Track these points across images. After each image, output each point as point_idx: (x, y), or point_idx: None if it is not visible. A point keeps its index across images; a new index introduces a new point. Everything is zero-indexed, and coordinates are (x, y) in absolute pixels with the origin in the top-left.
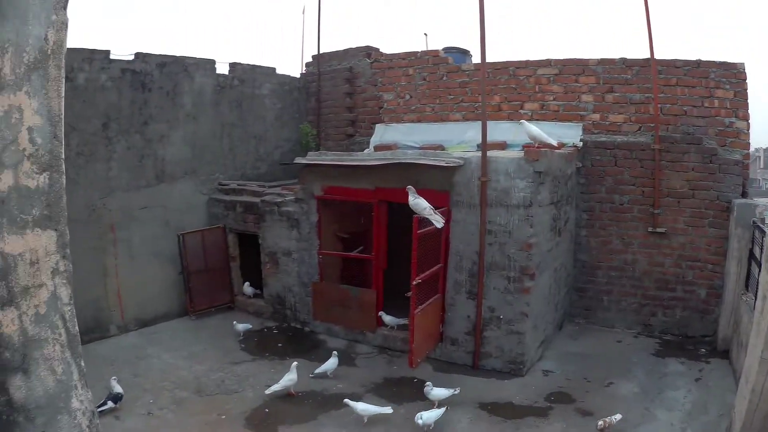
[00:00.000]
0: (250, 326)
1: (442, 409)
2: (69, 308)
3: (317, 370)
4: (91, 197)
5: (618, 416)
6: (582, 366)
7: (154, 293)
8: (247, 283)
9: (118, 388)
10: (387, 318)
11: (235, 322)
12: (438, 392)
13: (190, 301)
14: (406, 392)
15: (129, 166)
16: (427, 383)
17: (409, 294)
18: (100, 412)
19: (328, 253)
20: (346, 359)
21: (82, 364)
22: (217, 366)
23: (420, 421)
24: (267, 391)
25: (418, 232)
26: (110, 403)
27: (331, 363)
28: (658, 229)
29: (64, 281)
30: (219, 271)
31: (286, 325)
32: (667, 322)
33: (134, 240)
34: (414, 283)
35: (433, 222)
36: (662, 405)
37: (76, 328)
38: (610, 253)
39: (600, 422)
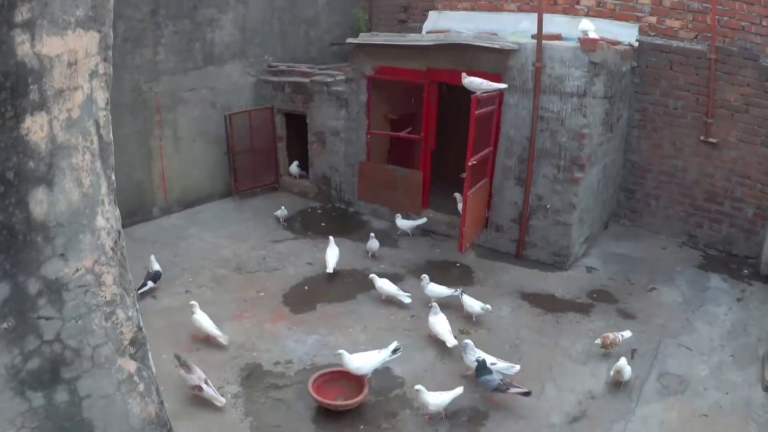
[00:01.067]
0: (287, 213)
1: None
2: (104, 114)
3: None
4: (137, 82)
5: (627, 333)
6: (625, 267)
7: (199, 174)
8: (295, 163)
9: (156, 266)
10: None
11: (283, 207)
12: (434, 289)
13: (235, 181)
14: (449, 276)
15: (177, 50)
16: (423, 276)
17: (464, 175)
18: (141, 293)
19: (376, 132)
20: (389, 241)
21: (113, 177)
22: (258, 244)
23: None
24: (329, 269)
25: (476, 112)
26: (150, 283)
27: (373, 244)
28: (711, 139)
29: (103, 84)
30: (265, 152)
31: (331, 206)
32: (713, 236)
33: (180, 122)
34: (469, 163)
35: (495, 88)
36: (703, 318)
37: (111, 135)
38: (661, 157)
39: (598, 340)
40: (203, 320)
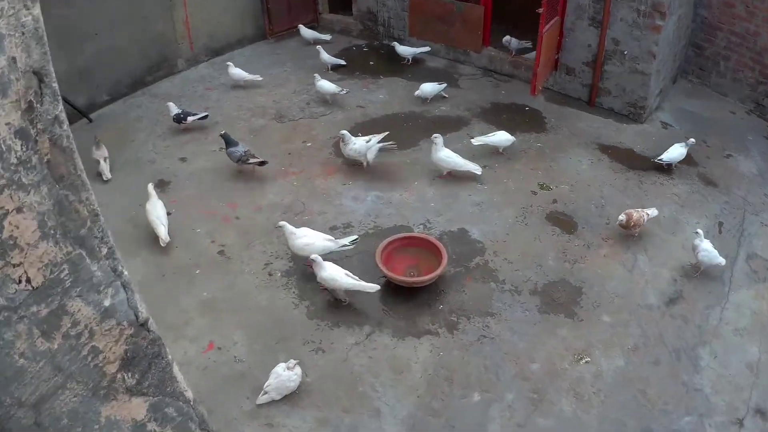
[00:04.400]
0: (343, 62)
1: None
2: None
3: (416, 93)
4: None
5: (653, 211)
6: (698, 127)
7: (227, 18)
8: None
9: (174, 109)
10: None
11: (319, 48)
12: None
13: (269, 22)
14: (518, 120)
15: None
16: (436, 135)
17: (540, 10)
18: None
19: None
20: (448, 80)
21: None
22: (300, 88)
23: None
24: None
25: None
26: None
27: (429, 88)
28: None
29: None
30: None
31: (378, 43)
32: None
33: None
34: None
35: None
36: None
37: None
38: (732, 17)
39: (622, 216)
40: (152, 212)
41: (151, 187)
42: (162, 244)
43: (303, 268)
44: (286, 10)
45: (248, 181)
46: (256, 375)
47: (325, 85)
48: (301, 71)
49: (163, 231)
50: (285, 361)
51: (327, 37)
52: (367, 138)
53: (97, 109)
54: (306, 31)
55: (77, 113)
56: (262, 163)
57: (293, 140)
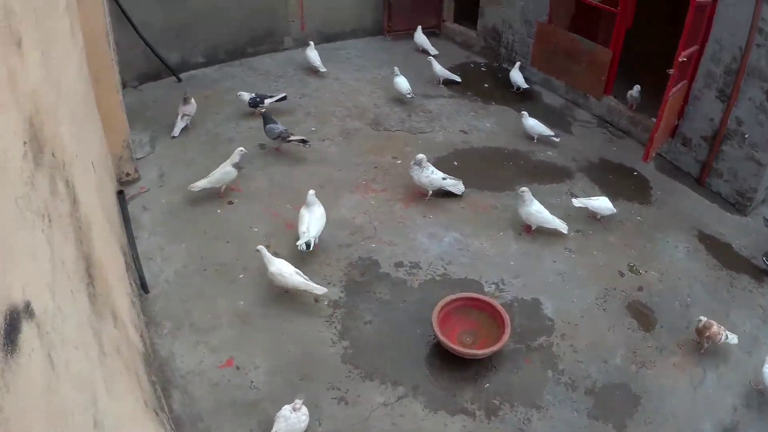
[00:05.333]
0: (458, 79)
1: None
2: None
3: (523, 122)
4: None
5: (733, 338)
6: None
7: (344, 6)
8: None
9: (246, 96)
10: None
11: (431, 59)
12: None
13: (389, 18)
14: (624, 185)
15: None
16: (523, 190)
17: (671, 71)
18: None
19: None
20: (561, 122)
21: None
22: (402, 95)
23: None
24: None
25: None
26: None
27: (538, 128)
28: None
29: None
30: None
31: (497, 65)
32: None
33: None
34: (679, 59)
35: None
36: None
37: None
38: None
39: (701, 319)
40: (303, 220)
41: (312, 194)
42: (298, 247)
43: (355, 303)
44: (409, 7)
45: (324, 186)
46: (267, 409)
47: (401, 83)
48: (411, 79)
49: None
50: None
51: (433, 51)
52: (444, 175)
53: (188, 70)
54: (419, 36)
55: (167, 69)
56: (303, 141)
57: (384, 153)
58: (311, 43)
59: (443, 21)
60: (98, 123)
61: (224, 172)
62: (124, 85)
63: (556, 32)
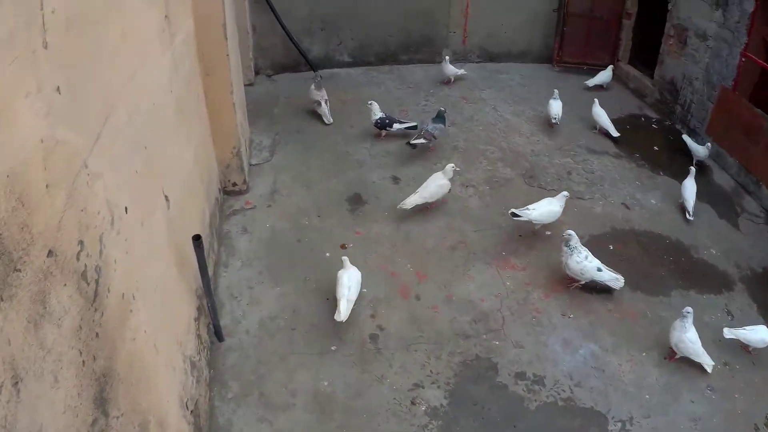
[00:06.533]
0: (615, 134)
1: None
2: None
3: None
4: None
5: None
6: None
7: (514, 23)
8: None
9: (378, 112)
10: None
11: (596, 102)
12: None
13: (559, 48)
14: None
15: None
16: (688, 310)
17: None
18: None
19: (755, 59)
20: (727, 211)
21: None
22: (569, 146)
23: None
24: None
25: None
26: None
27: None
28: None
29: None
30: (605, 24)
31: (669, 124)
32: None
33: None
34: None
35: None
36: None
37: None
38: None
39: None
40: (342, 283)
41: (346, 260)
42: (336, 318)
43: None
44: (583, 39)
45: (455, 248)
46: None
47: (554, 106)
48: (573, 124)
49: (344, 307)
50: None
51: (615, 133)
52: (599, 265)
53: (331, 67)
54: (598, 111)
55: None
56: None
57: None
58: (447, 57)
59: (618, 60)
60: (200, 127)
61: (439, 185)
62: (257, 72)
63: (740, 103)
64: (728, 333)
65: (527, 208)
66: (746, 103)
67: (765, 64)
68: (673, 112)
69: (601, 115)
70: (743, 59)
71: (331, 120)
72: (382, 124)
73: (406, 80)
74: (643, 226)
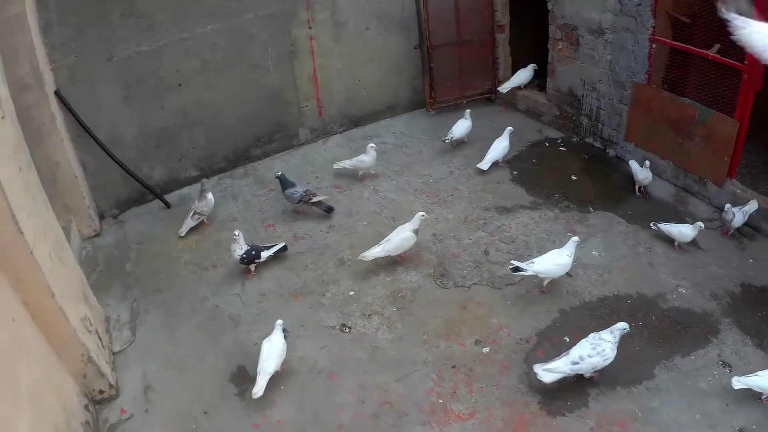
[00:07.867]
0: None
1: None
2: None
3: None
4: None
5: None
6: None
7: (371, 79)
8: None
9: (241, 246)
10: None
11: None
12: None
13: (430, 88)
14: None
15: None
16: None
17: None
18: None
19: (669, 42)
20: (673, 218)
21: None
22: (475, 213)
23: None
24: None
25: None
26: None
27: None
28: None
29: None
30: (477, 46)
31: (577, 140)
32: None
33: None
34: None
35: None
36: None
37: None
38: None
39: None
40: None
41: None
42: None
43: None
44: (455, 72)
45: (378, 415)
46: None
47: (461, 126)
48: (477, 178)
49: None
50: None
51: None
52: (573, 359)
53: (178, 188)
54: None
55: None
56: (329, 210)
57: (460, 332)
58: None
59: (499, 81)
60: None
61: (403, 238)
62: (102, 216)
63: (659, 96)
64: (737, 383)
65: (532, 261)
66: (668, 94)
67: (681, 45)
68: (579, 126)
69: (497, 148)
70: (653, 45)
71: (183, 234)
72: (249, 258)
73: (266, 181)
74: (595, 294)
